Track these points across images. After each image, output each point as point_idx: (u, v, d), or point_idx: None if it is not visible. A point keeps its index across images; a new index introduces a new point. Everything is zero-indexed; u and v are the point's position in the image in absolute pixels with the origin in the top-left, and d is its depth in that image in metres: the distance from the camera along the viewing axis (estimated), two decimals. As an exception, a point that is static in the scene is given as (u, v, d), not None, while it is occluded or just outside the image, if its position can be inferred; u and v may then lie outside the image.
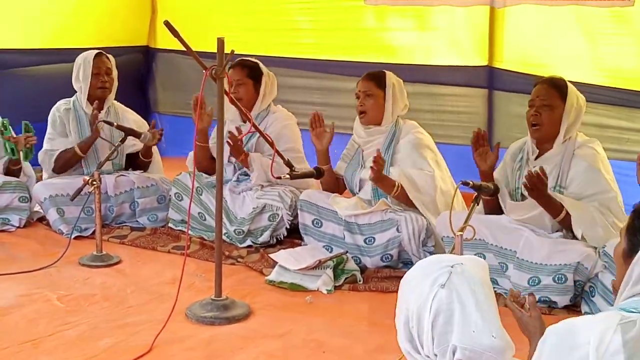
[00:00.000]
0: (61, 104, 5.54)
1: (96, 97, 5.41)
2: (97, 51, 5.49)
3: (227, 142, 4.92)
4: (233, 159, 5.23)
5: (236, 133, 4.99)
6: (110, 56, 5.53)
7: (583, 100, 4.29)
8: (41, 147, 5.47)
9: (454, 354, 1.97)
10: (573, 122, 4.23)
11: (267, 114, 5.32)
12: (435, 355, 2.00)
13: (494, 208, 4.39)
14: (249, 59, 5.41)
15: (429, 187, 4.62)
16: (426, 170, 4.67)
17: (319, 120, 4.93)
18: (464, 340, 1.95)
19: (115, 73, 5.52)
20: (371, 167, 4.47)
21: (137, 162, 5.55)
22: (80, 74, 5.40)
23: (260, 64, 5.36)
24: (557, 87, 4.24)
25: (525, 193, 4.18)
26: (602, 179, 4.15)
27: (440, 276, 2.00)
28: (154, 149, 5.63)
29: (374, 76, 4.85)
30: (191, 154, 5.34)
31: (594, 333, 1.96)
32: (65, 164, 5.41)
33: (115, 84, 5.54)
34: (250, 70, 5.27)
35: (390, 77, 4.83)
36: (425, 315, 1.99)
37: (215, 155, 5.11)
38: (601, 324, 1.98)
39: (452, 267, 2.02)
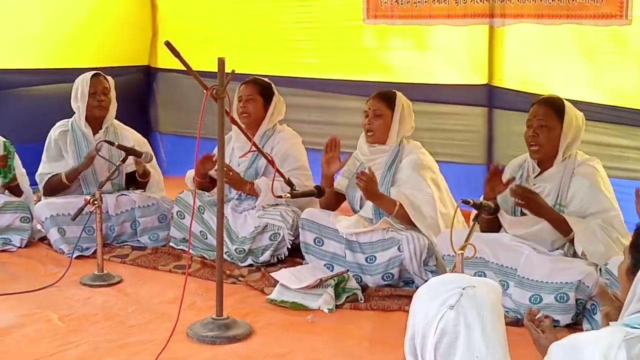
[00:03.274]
0: (58, 126, 5.56)
1: (93, 117, 5.45)
2: (94, 72, 5.51)
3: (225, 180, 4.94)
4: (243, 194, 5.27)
5: (235, 165, 5.04)
6: (109, 77, 5.55)
7: (582, 117, 4.30)
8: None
9: None
10: (572, 140, 4.24)
11: (272, 133, 5.35)
12: None
13: (492, 225, 4.41)
14: (263, 78, 5.45)
15: (431, 208, 4.62)
16: (425, 191, 4.66)
17: (335, 145, 4.91)
18: None
19: (113, 93, 5.54)
20: (357, 184, 4.51)
21: (136, 182, 5.56)
22: (78, 94, 5.43)
23: (273, 85, 5.39)
24: (554, 107, 4.24)
25: (526, 212, 4.21)
26: (604, 197, 4.16)
27: (450, 297, 1.99)
28: (155, 167, 5.65)
29: (385, 96, 4.84)
30: (190, 172, 5.35)
31: (599, 349, 1.96)
32: (53, 189, 5.44)
33: (114, 104, 5.55)
34: (262, 88, 5.32)
35: (400, 99, 4.83)
36: (430, 334, 1.99)
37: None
38: (606, 340, 1.99)
39: (463, 289, 2.01)
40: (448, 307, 1.97)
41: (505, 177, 4.47)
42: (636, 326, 2.05)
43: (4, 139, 5.33)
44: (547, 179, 4.28)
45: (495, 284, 2.14)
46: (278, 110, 5.36)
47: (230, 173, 5.04)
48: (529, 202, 4.15)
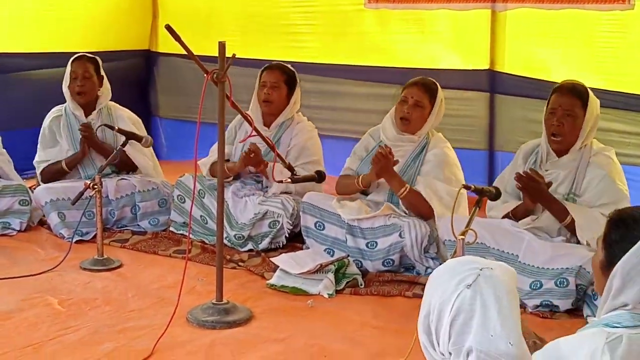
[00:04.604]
0: (52, 112, 5.56)
1: (78, 102, 5.43)
2: (78, 55, 5.50)
3: (247, 153, 4.93)
4: (252, 168, 5.22)
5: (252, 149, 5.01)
6: (97, 59, 5.53)
7: (598, 103, 4.28)
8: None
9: (468, 356, 1.97)
10: (591, 128, 4.22)
11: (291, 123, 5.32)
12: (450, 353, 2.00)
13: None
14: (288, 65, 5.39)
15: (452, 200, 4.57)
16: (454, 185, 4.58)
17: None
18: (481, 342, 1.95)
19: (102, 76, 5.52)
20: (376, 159, 4.45)
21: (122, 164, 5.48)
22: (65, 79, 5.43)
23: (297, 74, 5.36)
24: (579, 96, 4.20)
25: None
26: (617, 189, 4.14)
27: (468, 277, 2.01)
28: (151, 153, 5.63)
29: (429, 88, 4.75)
30: (205, 160, 5.27)
31: (583, 355, 1.96)
32: (52, 177, 5.44)
33: (106, 85, 5.55)
34: (288, 77, 5.29)
35: (440, 92, 4.78)
36: (446, 312, 2.00)
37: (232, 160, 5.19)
38: (589, 345, 1.98)
39: (481, 270, 2.03)
40: (465, 286, 2.00)
41: (517, 162, 4.46)
42: (616, 325, 2.04)
43: None
44: (561, 166, 4.25)
45: (511, 269, 2.16)
46: (299, 100, 5.35)
47: (252, 155, 4.96)
48: (530, 188, 4.13)
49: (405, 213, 4.67)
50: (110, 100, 5.62)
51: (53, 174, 5.44)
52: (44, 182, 5.45)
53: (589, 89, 4.27)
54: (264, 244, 4.98)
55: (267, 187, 5.27)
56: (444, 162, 4.69)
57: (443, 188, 4.59)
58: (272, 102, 5.21)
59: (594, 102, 4.22)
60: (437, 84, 4.81)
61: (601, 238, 2.33)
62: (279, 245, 5.04)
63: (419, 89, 4.74)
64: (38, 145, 5.55)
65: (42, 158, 5.50)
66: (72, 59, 5.46)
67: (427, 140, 4.79)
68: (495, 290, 1.99)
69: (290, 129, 5.29)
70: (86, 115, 5.49)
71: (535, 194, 4.16)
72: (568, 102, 4.19)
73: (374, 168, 4.61)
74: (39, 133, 5.58)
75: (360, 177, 4.79)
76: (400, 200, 4.67)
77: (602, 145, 4.32)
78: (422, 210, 4.60)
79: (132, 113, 5.70)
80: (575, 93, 4.22)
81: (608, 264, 2.23)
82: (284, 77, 5.25)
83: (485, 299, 1.97)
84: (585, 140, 4.22)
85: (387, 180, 4.66)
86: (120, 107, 5.66)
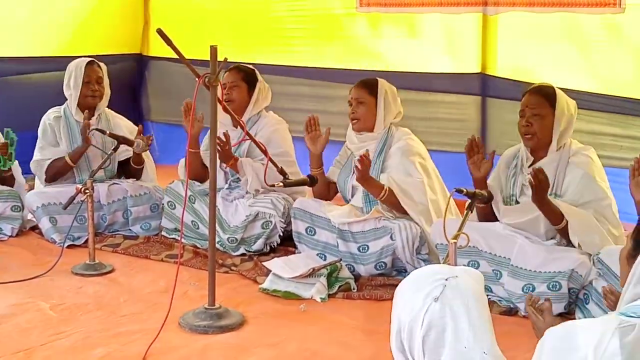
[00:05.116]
0: (51, 112, 5.52)
1: (86, 105, 5.42)
2: (89, 59, 5.48)
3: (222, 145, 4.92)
4: (224, 166, 5.20)
5: (224, 138, 4.98)
6: (102, 64, 5.53)
7: (574, 105, 4.29)
8: (32, 156, 5.46)
9: None
10: (565, 128, 4.23)
11: (257, 119, 5.33)
12: None
13: (489, 214, 4.39)
14: (247, 65, 5.43)
15: (421, 193, 4.62)
16: (415, 176, 4.66)
17: (314, 124, 4.97)
18: (455, 356, 1.93)
19: (106, 81, 5.52)
20: (356, 167, 4.48)
21: (129, 169, 5.52)
22: (72, 82, 5.39)
23: (257, 72, 5.38)
24: (545, 95, 4.23)
25: (521, 199, 4.20)
26: (597, 186, 4.14)
27: (434, 289, 1.98)
28: (148, 156, 5.63)
29: (366, 84, 4.86)
30: (182, 161, 5.33)
31: (592, 336, 1.96)
32: (57, 173, 5.39)
33: (107, 92, 5.53)
34: (245, 75, 5.30)
35: (383, 85, 4.84)
36: (417, 328, 1.97)
37: (206, 162, 5.14)
38: (599, 327, 1.99)
39: (446, 280, 1.99)
40: (432, 300, 1.96)
41: (499, 168, 4.47)
42: (632, 315, 2.05)
43: (7, 129, 5.29)
44: None
45: (477, 272, 2.13)
46: (263, 97, 5.34)
47: (227, 147, 4.97)
48: (541, 186, 4.00)
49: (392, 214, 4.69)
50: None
51: (58, 169, 5.38)
52: (50, 181, 5.39)
53: (557, 89, 4.27)
54: (258, 245, 4.98)
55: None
56: (408, 152, 4.74)
57: (403, 180, 4.63)
58: (233, 100, 5.20)
59: (563, 101, 4.22)
60: (377, 79, 4.88)
61: (631, 231, 2.38)
62: (273, 247, 5.05)
63: (357, 88, 4.86)
64: (38, 144, 5.47)
65: (46, 156, 5.41)
66: (84, 63, 5.40)
67: (387, 136, 4.83)
68: (463, 300, 1.96)
69: (255, 125, 5.29)
70: None
71: (542, 194, 4.08)
72: (534, 101, 4.23)
73: (357, 175, 4.61)
74: (30, 137, 5.55)
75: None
76: (379, 203, 4.68)
77: (581, 145, 4.32)
78: (401, 208, 4.62)
79: (129, 122, 5.71)
80: (540, 93, 4.25)
81: (634, 253, 2.26)
82: (241, 75, 5.28)
83: (455, 311, 1.94)
84: (561, 140, 4.22)
85: (367, 188, 4.68)
86: (116, 114, 5.66)
